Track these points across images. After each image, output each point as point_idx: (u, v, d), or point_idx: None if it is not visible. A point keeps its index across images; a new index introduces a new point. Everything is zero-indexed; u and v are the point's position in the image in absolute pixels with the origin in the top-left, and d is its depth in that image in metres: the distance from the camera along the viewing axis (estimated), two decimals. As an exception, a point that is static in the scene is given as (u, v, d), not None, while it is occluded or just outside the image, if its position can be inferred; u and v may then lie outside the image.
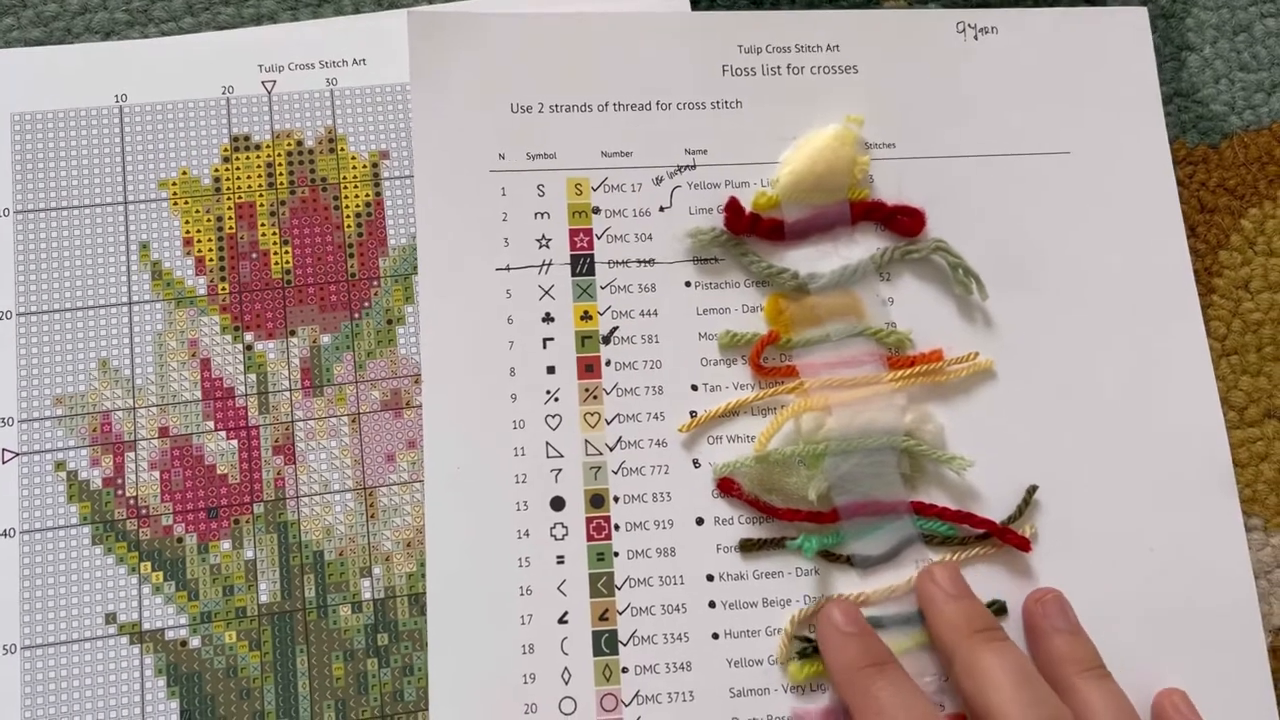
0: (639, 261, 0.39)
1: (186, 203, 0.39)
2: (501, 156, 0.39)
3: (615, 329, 0.39)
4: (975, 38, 0.42)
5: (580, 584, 0.37)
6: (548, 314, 0.39)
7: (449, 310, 0.38)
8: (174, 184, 0.39)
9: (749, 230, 0.39)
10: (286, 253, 0.39)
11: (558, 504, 0.38)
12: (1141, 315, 0.40)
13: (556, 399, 0.38)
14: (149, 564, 0.37)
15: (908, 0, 0.43)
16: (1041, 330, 0.40)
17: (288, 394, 0.38)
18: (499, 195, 0.39)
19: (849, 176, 0.40)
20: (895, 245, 0.40)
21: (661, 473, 0.38)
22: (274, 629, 0.37)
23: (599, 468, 0.38)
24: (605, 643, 0.37)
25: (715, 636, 0.37)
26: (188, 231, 0.39)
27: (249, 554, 0.37)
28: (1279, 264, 0.42)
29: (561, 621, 0.37)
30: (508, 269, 0.39)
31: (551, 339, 0.39)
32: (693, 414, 0.38)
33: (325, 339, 0.39)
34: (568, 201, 0.39)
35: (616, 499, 0.38)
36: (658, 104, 0.40)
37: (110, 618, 0.36)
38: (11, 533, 0.37)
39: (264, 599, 0.37)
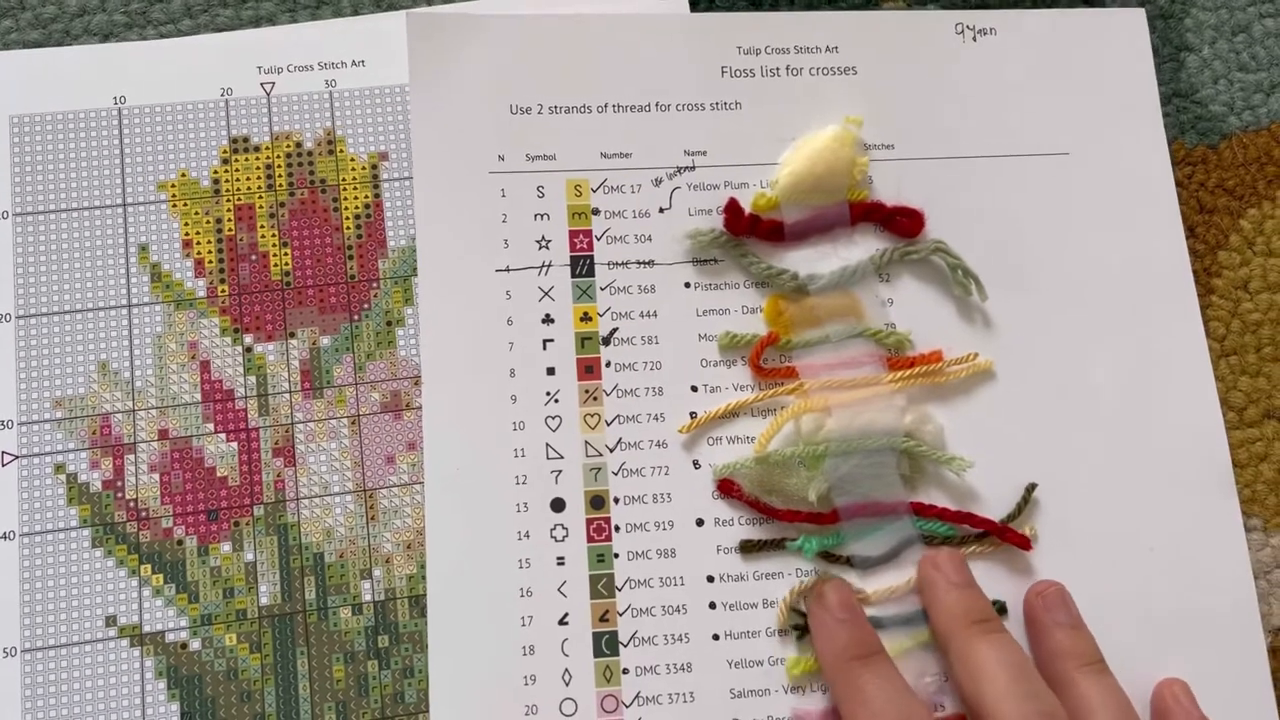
0: (639, 263, 0.39)
1: (186, 204, 0.39)
2: (501, 158, 0.39)
3: (615, 330, 0.39)
4: (974, 39, 0.42)
5: (580, 585, 0.37)
6: (547, 315, 0.39)
7: (448, 312, 0.38)
8: (173, 186, 0.39)
9: (748, 231, 0.40)
10: (286, 254, 0.39)
11: (558, 505, 0.38)
12: (1141, 316, 0.40)
13: (556, 400, 0.38)
14: (149, 566, 0.37)
15: (906, 1, 0.43)
16: (1041, 331, 0.40)
17: (287, 396, 0.38)
18: (498, 197, 0.39)
19: (848, 177, 0.40)
20: (894, 246, 0.40)
21: (661, 474, 0.38)
22: (274, 631, 0.37)
23: (599, 469, 0.38)
24: (606, 644, 0.37)
25: (716, 637, 0.37)
26: (187, 233, 0.39)
27: (249, 556, 0.37)
28: (1278, 264, 0.42)
29: (562, 623, 0.37)
30: (507, 270, 0.39)
31: (551, 340, 0.39)
32: (693, 415, 0.38)
33: (325, 341, 0.39)
34: (567, 203, 0.39)
35: (616, 500, 0.38)
36: (657, 105, 0.40)
37: (110, 620, 0.36)
38: (11, 535, 0.37)
39: (264, 601, 0.37)
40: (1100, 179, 0.41)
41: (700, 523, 0.38)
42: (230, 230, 0.39)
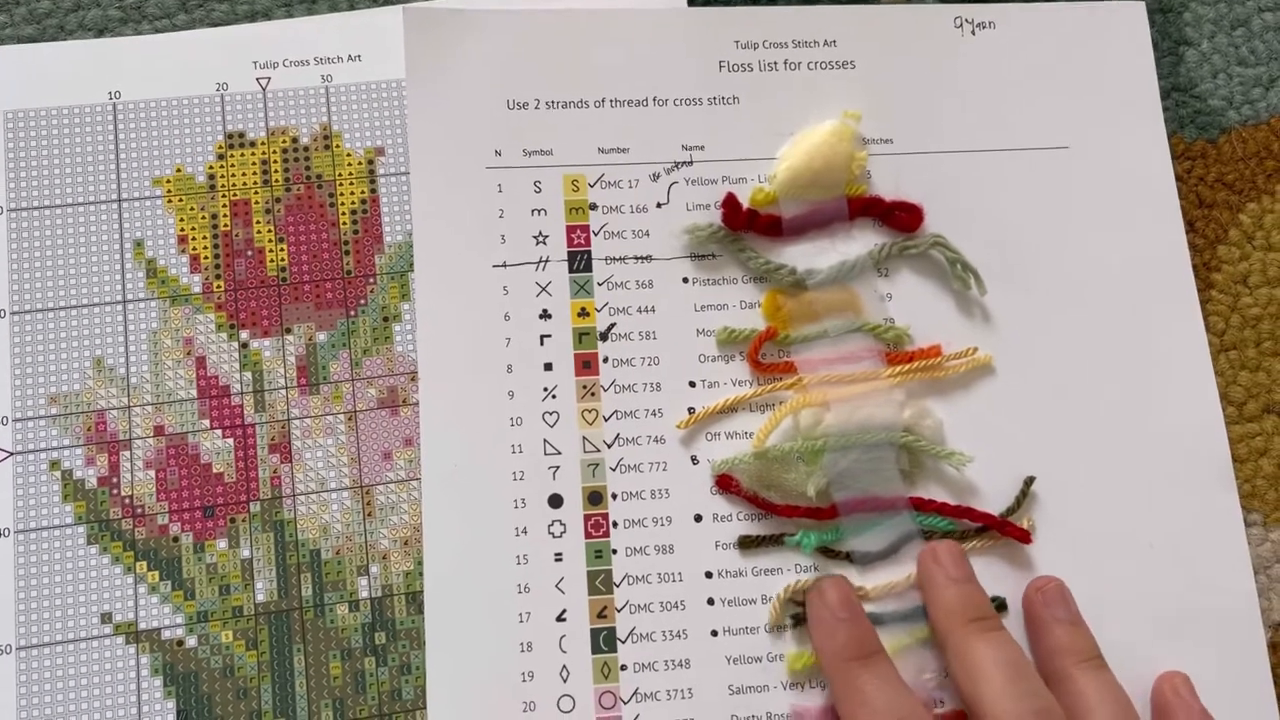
0: (636, 258, 0.39)
1: (181, 200, 0.39)
2: (498, 153, 0.39)
3: (613, 325, 0.39)
4: (973, 32, 0.42)
5: (578, 581, 0.37)
6: (545, 311, 0.39)
7: (445, 307, 0.38)
8: (168, 181, 0.39)
9: (746, 226, 0.39)
10: (282, 250, 0.39)
11: (555, 501, 0.37)
12: (1140, 310, 0.40)
13: (554, 396, 0.38)
14: (145, 563, 0.37)
15: (905, -5, 0.43)
16: (1040, 325, 0.40)
17: (284, 392, 0.38)
18: (495, 192, 0.39)
19: (846, 172, 0.40)
20: (893, 241, 0.40)
21: (660, 469, 0.38)
22: (271, 628, 0.37)
23: (597, 465, 0.38)
24: (604, 640, 0.37)
25: (714, 633, 0.37)
26: (182, 229, 0.39)
27: (245, 553, 0.37)
28: (1277, 258, 0.42)
29: (560, 619, 0.37)
30: (504, 266, 0.39)
31: (549, 336, 0.38)
32: (691, 410, 0.38)
33: (321, 337, 0.39)
34: (564, 198, 0.39)
35: (615, 496, 0.38)
36: (654, 100, 0.40)
37: (106, 617, 0.36)
38: (6, 532, 0.36)
39: (260, 598, 0.37)
40: (1100, 173, 0.41)
41: (699, 518, 0.38)
42: (226, 226, 0.39)
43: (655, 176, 0.40)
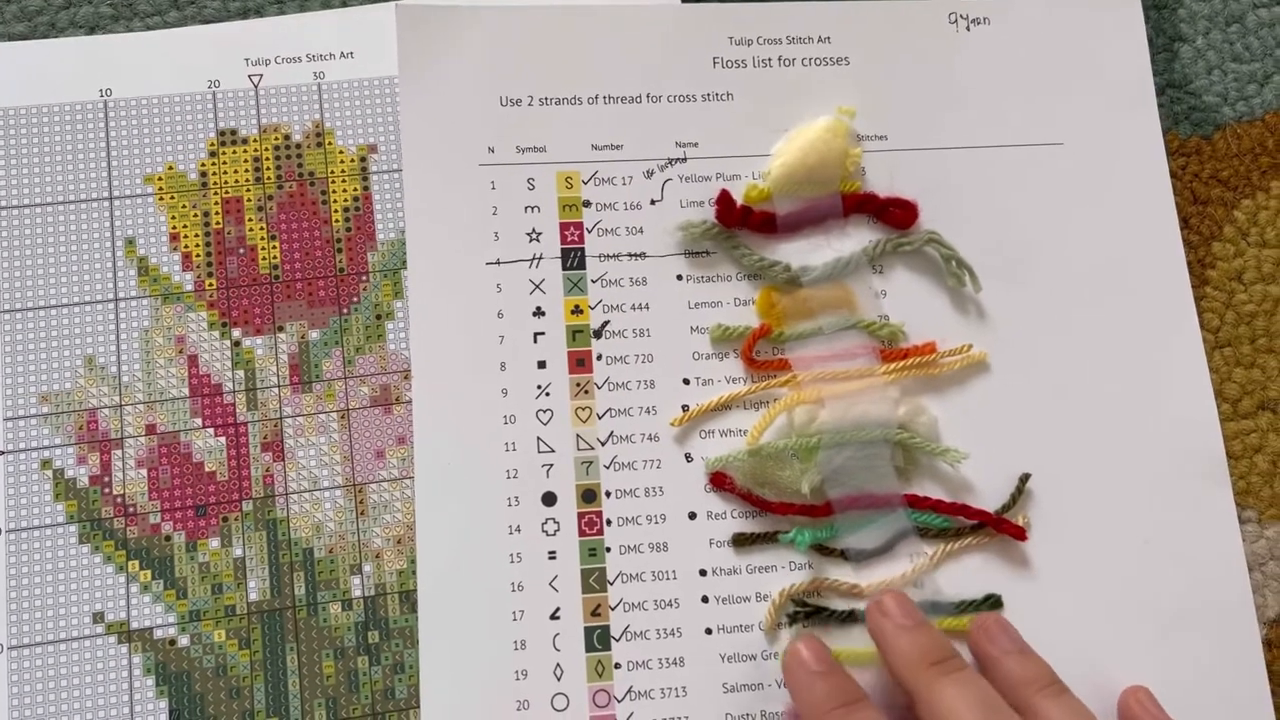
0: (630, 255, 0.39)
1: (173, 198, 0.39)
2: (491, 150, 0.39)
3: (606, 323, 0.39)
4: (967, 28, 0.42)
5: (572, 579, 0.37)
6: (538, 308, 0.38)
7: (439, 305, 0.38)
8: (160, 179, 0.39)
9: (740, 223, 0.39)
10: (274, 248, 0.39)
11: (549, 499, 0.37)
12: (1135, 307, 0.40)
13: (548, 394, 0.38)
14: (137, 562, 0.37)
15: (899, -9, 0.43)
16: (1035, 322, 0.40)
17: (276, 390, 0.38)
18: (489, 189, 0.39)
19: (841, 169, 0.40)
20: (887, 237, 0.40)
21: (653, 467, 0.38)
22: (263, 627, 0.37)
23: (590, 462, 0.38)
24: (597, 638, 0.37)
25: (708, 631, 0.37)
26: (174, 227, 0.39)
27: (238, 552, 0.37)
28: (1272, 255, 0.42)
29: (553, 617, 0.37)
30: (498, 263, 0.39)
31: (542, 333, 0.38)
32: (685, 408, 0.38)
33: (314, 335, 0.38)
34: (558, 195, 0.39)
35: (608, 494, 0.37)
36: (648, 96, 0.40)
37: (98, 617, 0.36)
38: (-3, 532, 0.36)
39: (253, 597, 0.37)
40: (1094, 170, 0.41)
41: (693, 516, 0.38)
42: (218, 223, 0.39)
43: (649, 173, 0.40)
